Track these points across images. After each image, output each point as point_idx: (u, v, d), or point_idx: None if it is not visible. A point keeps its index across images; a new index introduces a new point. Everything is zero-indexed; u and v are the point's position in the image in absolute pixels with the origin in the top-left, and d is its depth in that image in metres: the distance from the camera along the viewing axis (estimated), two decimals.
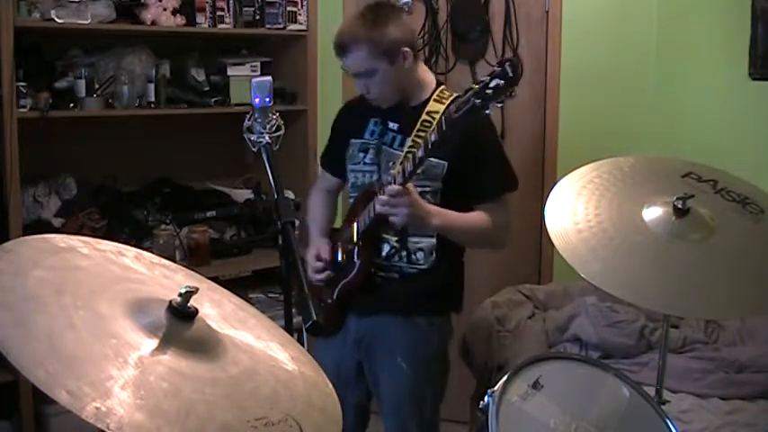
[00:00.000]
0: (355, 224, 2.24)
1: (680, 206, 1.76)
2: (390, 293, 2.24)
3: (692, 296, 1.67)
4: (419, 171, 2.07)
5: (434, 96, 2.23)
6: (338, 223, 2.53)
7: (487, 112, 1.91)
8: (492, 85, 1.87)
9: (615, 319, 2.78)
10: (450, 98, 2.21)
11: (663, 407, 1.83)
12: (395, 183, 2.05)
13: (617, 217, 1.78)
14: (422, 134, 2.16)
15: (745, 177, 1.96)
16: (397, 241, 2.22)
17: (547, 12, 3.52)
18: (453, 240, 2.23)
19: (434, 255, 2.23)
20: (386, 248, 2.24)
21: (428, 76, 2.29)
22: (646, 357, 2.69)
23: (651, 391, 1.89)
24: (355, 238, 2.23)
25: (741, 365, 2.61)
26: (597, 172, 1.93)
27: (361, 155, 2.30)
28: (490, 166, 2.24)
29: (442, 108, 2.18)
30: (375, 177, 2.26)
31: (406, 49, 2.18)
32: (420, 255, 2.23)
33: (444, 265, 2.26)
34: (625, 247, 1.73)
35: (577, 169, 1.95)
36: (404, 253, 2.23)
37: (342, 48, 2.16)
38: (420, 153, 2.00)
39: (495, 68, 1.89)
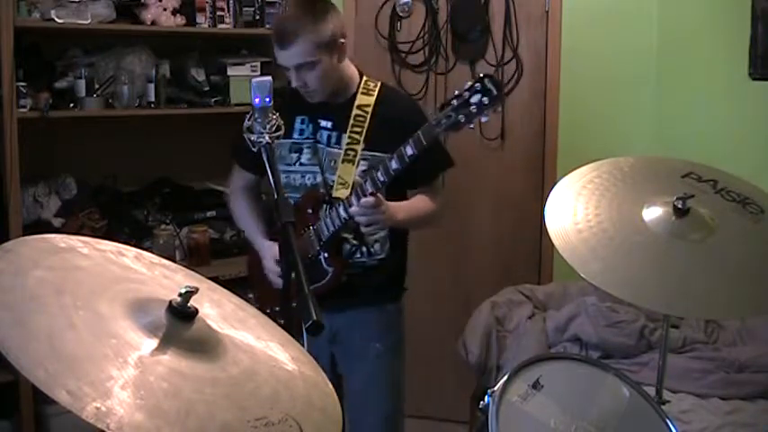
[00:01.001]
0: (312, 230, 2.23)
1: (680, 206, 1.76)
2: (358, 289, 2.29)
3: (692, 296, 1.67)
4: (366, 168, 2.15)
5: (361, 89, 2.26)
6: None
7: (471, 126, 1.96)
8: (474, 101, 1.92)
9: (615, 319, 2.78)
10: (377, 89, 2.27)
11: (663, 407, 1.83)
12: (364, 194, 2.07)
13: (617, 217, 1.78)
14: (357, 129, 2.21)
15: (745, 177, 1.96)
16: (354, 238, 2.26)
17: (547, 12, 3.52)
18: (408, 228, 2.34)
19: (388, 243, 2.30)
20: (347, 248, 2.27)
21: (353, 70, 2.30)
22: (646, 357, 2.69)
23: (651, 391, 1.89)
24: (318, 247, 2.23)
25: (741, 365, 2.61)
26: (597, 172, 1.92)
27: (294, 155, 2.29)
28: (426, 152, 2.23)
29: (371, 100, 2.24)
30: (318, 178, 2.26)
31: (343, 41, 2.20)
32: (377, 246, 2.29)
33: (397, 251, 2.35)
34: (625, 247, 1.73)
35: (577, 169, 1.95)
36: (363, 248, 2.28)
37: (284, 39, 2.12)
38: (395, 165, 2.04)
39: (475, 84, 1.93)
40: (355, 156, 2.20)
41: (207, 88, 3.43)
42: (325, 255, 2.24)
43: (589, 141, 3.47)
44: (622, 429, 1.73)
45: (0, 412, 3.00)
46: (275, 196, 1.60)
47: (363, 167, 2.20)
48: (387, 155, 2.14)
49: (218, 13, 3.35)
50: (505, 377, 1.75)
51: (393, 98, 2.32)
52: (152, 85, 3.25)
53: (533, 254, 3.66)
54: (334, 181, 2.22)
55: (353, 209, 2.08)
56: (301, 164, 2.28)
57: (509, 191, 3.67)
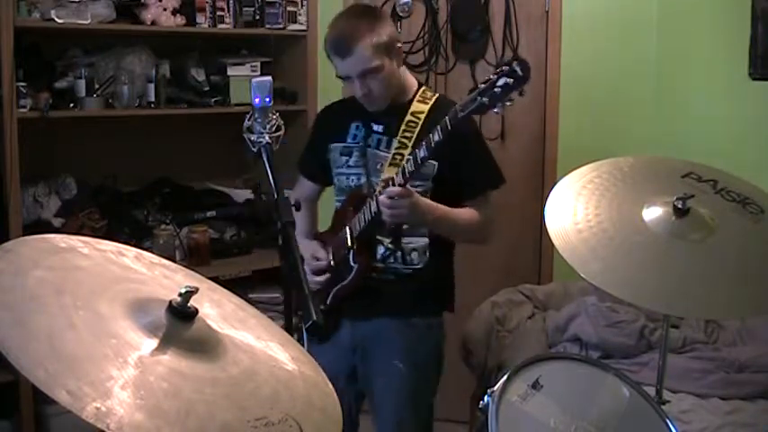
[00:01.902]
0: (347, 228, 2.23)
1: (680, 206, 1.76)
2: (387, 296, 2.23)
3: (692, 296, 1.67)
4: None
5: (417, 97, 2.25)
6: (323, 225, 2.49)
7: (496, 111, 1.92)
8: (500, 83, 1.87)
9: (615, 319, 2.78)
10: (434, 98, 2.24)
11: (663, 407, 1.83)
12: (394, 184, 2.05)
13: (617, 217, 1.78)
14: (408, 135, 2.17)
15: (745, 177, 1.96)
16: (391, 242, 2.21)
17: (547, 12, 3.52)
18: (444, 235, 2.24)
19: (428, 254, 2.23)
20: (381, 250, 2.23)
21: (410, 77, 2.30)
22: (646, 357, 2.69)
23: (651, 391, 1.89)
24: (350, 243, 2.21)
25: (741, 365, 2.61)
26: (597, 172, 1.92)
27: (344, 158, 2.28)
28: (477, 164, 2.23)
29: (425, 108, 2.20)
30: (362, 180, 2.25)
31: (400, 45, 2.20)
32: (414, 255, 2.22)
33: (437, 264, 2.26)
34: (625, 247, 1.73)
35: (577, 169, 1.95)
36: (398, 254, 2.22)
37: (345, 47, 2.11)
38: (422, 153, 2.00)
39: (503, 67, 1.89)
40: (401, 160, 2.14)
41: (207, 88, 3.43)
42: (354, 252, 2.21)
43: (589, 142, 3.47)
44: (622, 429, 1.73)
45: (0, 412, 3.00)
46: (275, 196, 1.60)
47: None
48: (432, 162, 2.11)
49: (218, 13, 3.35)
50: (505, 377, 1.75)
51: (447, 108, 2.23)
52: (152, 85, 3.25)
53: (533, 254, 3.66)
54: (378, 184, 2.18)
55: (381, 197, 2.05)
56: (348, 166, 2.28)
57: (509, 191, 3.65)
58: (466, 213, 2.22)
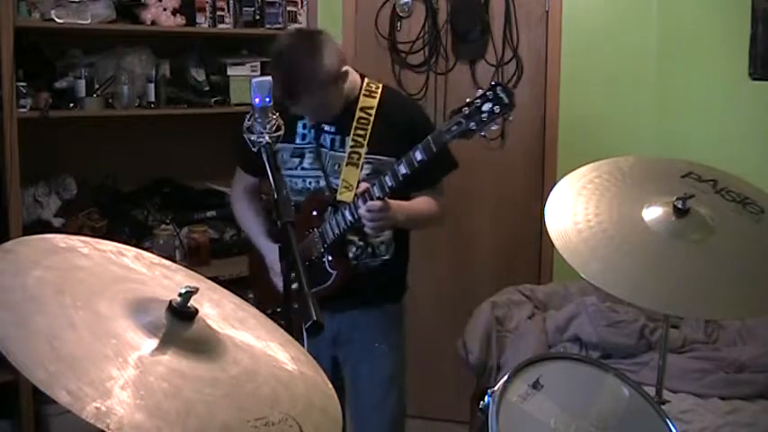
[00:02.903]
0: (317, 233, 2.24)
1: (680, 206, 1.76)
2: (361, 289, 2.28)
3: (692, 296, 1.67)
4: (370, 172, 2.16)
5: (363, 91, 2.26)
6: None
7: (483, 135, 1.97)
8: (485, 109, 1.92)
9: (615, 319, 2.78)
10: (380, 90, 2.27)
11: (663, 407, 1.83)
12: (372, 197, 2.07)
13: (617, 217, 1.78)
14: (361, 132, 2.21)
15: (745, 177, 1.96)
16: (360, 240, 2.26)
17: (547, 12, 3.52)
18: (411, 229, 2.36)
19: (393, 244, 2.32)
20: (353, 249, 2.28)
21: (354, 76, 2.30)
22: (646, 357, 2.69)
23: (651, 391, 1.89)
24: (322, 249, 2.23)
25: (741, 365, 2.61)
26: (597, 172, 1.93)
27: (296, 160, 2.29)
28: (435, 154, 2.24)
29: (374, 102, 2.24)
30: (321, 183, 2.26)
31: (346, 68, 2.20)
32: (383, 247, 2.30)
33: (400, 252, 2.36)
34: (625, 247, 1.73)
35: (577, 169, 1.95)
36: (369, 250, 2.29)
37: (293, 97, 2.10)
38: (403, 171, 2.04)
39: (487, 92, 1.93)
40: (359, 159, 2.20)
41: (207, 88, 3.43)
42: (329, 258, 2.24)
43: (589, 141, 3.47)
44: (622, 429, 1.73)
45: (0, 412, 3.00)
46: (275, 196, 1.60)
47: (367, 171, 2.20)
48: (389, 158, 2.15)
49: (218, 13, 3.35)
50: (505, 377, 1.75)
51: (396, 101, 2.32)
52: (152, 85, 3.25)
53: (533, 254, 3.66)
54: (338, 185, 2.22)
55: (361, 211, 2.09)
56: (303, 168, 2.29)
57: (509, 191, 3.67)
58: (425, 205, 2.29)
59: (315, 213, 2.25)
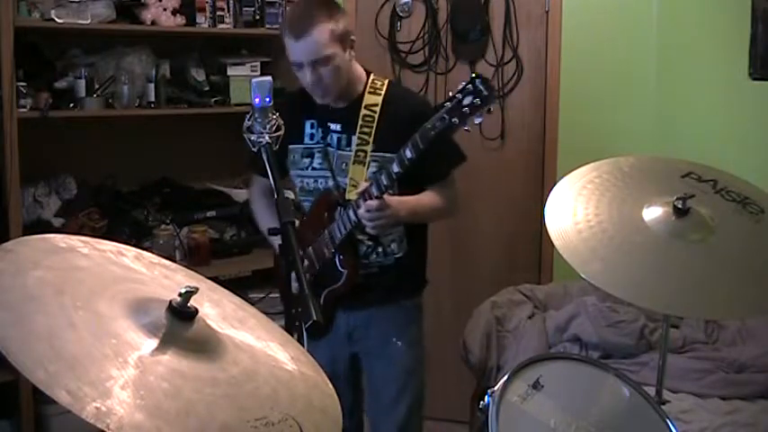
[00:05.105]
0: (327, 233, 2.24)
1: (680, 206, 1.76)
2: (375, 288, 2.29)
3: (692, 296, 1.67)
4: (377, 170, 2.15)
5: (368, 88, 2.26)
6: None
7: (467, 129, 1.95)
8: (466, 102, 1.91)
9: (615, 319, 2.78)
10: (385, 87, 2.26)
11: (663, 407, 1.83)
12: (370, 196, 2.07)
13: (617, 217, 1.78)
14: (366, 130, 2.20)
15: (745, 177, 1.96)
16: (369, 239, 2.26)
17: (547, 12, 3.52)
18: (419, 223, 2.33)
19: (405, 241, 2.30)
20: (362, 249, 2.27)
21: (359, 68, 2.30)
22: (646, 357, 2.69)
23: (651, 391, 1.89)
24: (332, 249, 2.23)
25: (741, 365, 2.61)
26: (597, 172, 1.93)
27: (306, 160, 2.29)
28: (441, 148, 2.21)
29: (379, 100, 2.23)
30: (330, 182, 2.27)
31: (353, 37, 2.20)
32: (394, 245, 2.29)
33: (415, 247, 2.34)
34: (625, 247, 1.73)
35: (577, 169, 1.95)
36: (380, 249, 2.28)
37: (301, 28, 2.09)
38: (396, 169, 2.03)
39: (467, 86, 1.92)
40: (365, 157, 2.19)
41: (207, 88, 3.43)
42: (340, 257, 2.24)
43: (589, 141, 3.47)
44: (622, 429, 1.73)
45: (0, 412, 3.00)
46: (275, 196, 1.60)
47: (374, 168, 2.19)
48: (395, 155, 2.13)
49: (218, 13, 3.35)
50: (505, 377, 1.75)
51: (401, 97, 2.30)
52: (152, 85, 3.25)
53: (533, 254, 3.65)
54: (346, 183, 2.22)
55: (360, 211, 2.09)
56: (313, 168, 2.29)
57: (509, 191, 3.67)
58: (428, 199, 2.28)
59: (326, 214, 2.25)
